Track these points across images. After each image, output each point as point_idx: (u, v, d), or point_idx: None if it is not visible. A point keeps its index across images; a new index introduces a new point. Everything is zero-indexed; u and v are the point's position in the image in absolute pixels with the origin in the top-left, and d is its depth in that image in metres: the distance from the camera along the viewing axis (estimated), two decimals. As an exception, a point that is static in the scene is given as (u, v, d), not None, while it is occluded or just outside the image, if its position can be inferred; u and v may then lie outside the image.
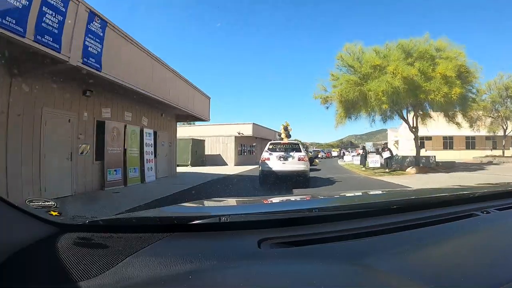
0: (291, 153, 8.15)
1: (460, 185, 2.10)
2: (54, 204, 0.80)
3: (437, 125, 27.37)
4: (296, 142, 9.64)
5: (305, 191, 6.87)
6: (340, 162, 26.10)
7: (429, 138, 24.94)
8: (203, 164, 19.82)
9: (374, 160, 14.13)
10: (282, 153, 8.16)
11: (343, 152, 32.39)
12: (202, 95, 11.77)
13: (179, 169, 15.15)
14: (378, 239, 0.72)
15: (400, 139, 34.16)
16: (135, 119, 8.87)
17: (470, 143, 26.21)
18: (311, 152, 21.86)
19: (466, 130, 23.84)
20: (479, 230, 0.82)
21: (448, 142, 26.12)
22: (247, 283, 0.53)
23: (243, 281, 0.54)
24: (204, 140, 21.43)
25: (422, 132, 26.10)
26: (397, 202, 1.04)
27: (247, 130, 22.28)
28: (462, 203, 1.04)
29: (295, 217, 0.81)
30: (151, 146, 9.32)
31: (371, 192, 1.97)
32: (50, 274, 0.61)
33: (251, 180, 9.91)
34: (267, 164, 8.02)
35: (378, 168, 14.14)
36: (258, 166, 8.92)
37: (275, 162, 7.99)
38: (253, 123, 22.81)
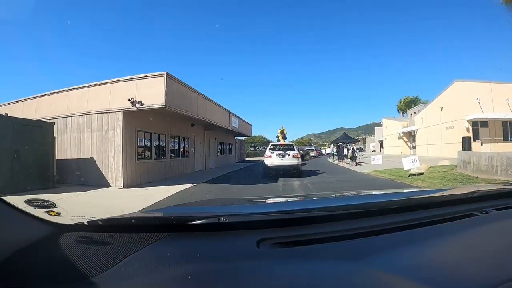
0: (287, 152, 11.23)
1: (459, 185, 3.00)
2: (53, 204, 0.80)
3: (489, 101, 16.55)
4: (291, 143, 12.75)
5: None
6: (353, 167, 15.33)
7: (484, 123, 16.92)
8: (46, 185, 7.72)
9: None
10: (281, 152, 11.23)
11: (354, 149, 17.18)
12: None
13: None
14: (378, 239, 0.72)
15: (420, 131, 23.52)
16: None
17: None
18: (302, 151, 22.34)
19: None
20: (477, 230, 0.82)
21: (509, 130, 17.45)
22: (246, 283, 0.54)
23: (242, 281, 0.55)
24: (53, 124, 8.66)
25: (473, 113, 16.18)
26: (396, 202, 1.06)
27: (155, 94, 8.27)
28: (461, 203, 1.04)
29: (294, 217, 0.81)
30: None
31: (371, 192, 1.92)
32: (49, 274, 0.61)
33: None
34: (270, 160, 11.23)
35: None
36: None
37: (275, 159, 11.15)
38: (167, 74, 8.50)
